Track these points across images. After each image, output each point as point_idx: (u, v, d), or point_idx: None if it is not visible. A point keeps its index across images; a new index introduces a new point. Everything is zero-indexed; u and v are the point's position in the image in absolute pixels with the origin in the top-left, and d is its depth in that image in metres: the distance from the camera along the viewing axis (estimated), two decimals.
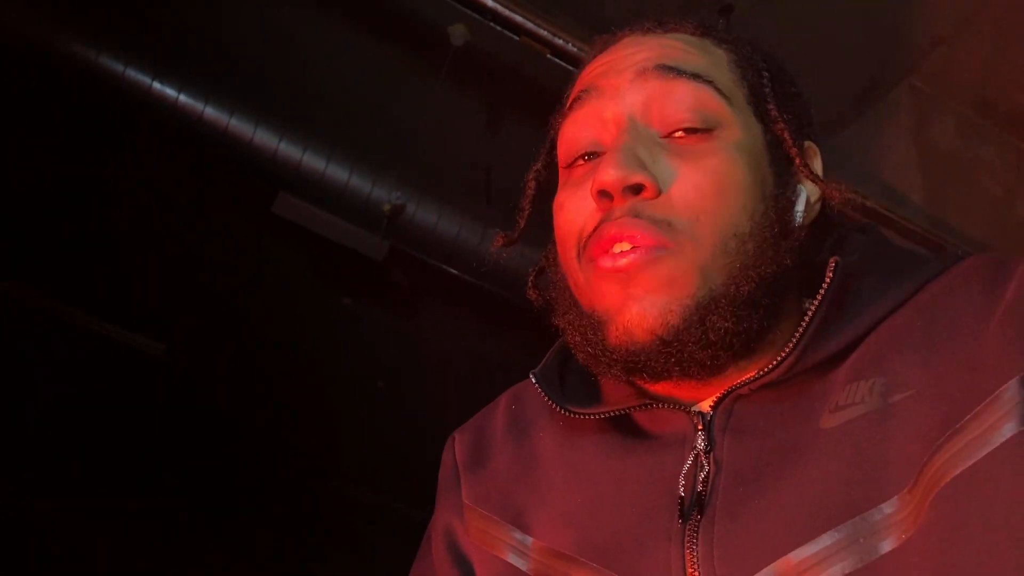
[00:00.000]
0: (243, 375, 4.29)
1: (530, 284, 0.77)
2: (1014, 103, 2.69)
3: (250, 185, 2.88)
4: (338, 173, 2.70)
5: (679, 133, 0.65)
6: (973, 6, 2.46)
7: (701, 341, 0.61)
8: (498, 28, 2.22)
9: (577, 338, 0.67)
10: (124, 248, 3.65)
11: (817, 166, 0.71)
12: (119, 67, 2.51)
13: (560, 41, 2.23)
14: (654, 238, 0.61)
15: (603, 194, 0.63)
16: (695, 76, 0.66)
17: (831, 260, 0.63)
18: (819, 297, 0.62)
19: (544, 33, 2.21)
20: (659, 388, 0.68)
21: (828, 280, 0.62)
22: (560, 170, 0.72)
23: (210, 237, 3.53)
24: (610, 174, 0.62)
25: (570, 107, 0.70)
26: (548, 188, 0.76)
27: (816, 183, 0.68)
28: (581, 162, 0.69)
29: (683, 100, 0.65)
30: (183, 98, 2.58)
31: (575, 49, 2.23)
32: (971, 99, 2.71)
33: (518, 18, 2.19)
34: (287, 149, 2.66)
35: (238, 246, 3.55)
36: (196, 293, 3.85)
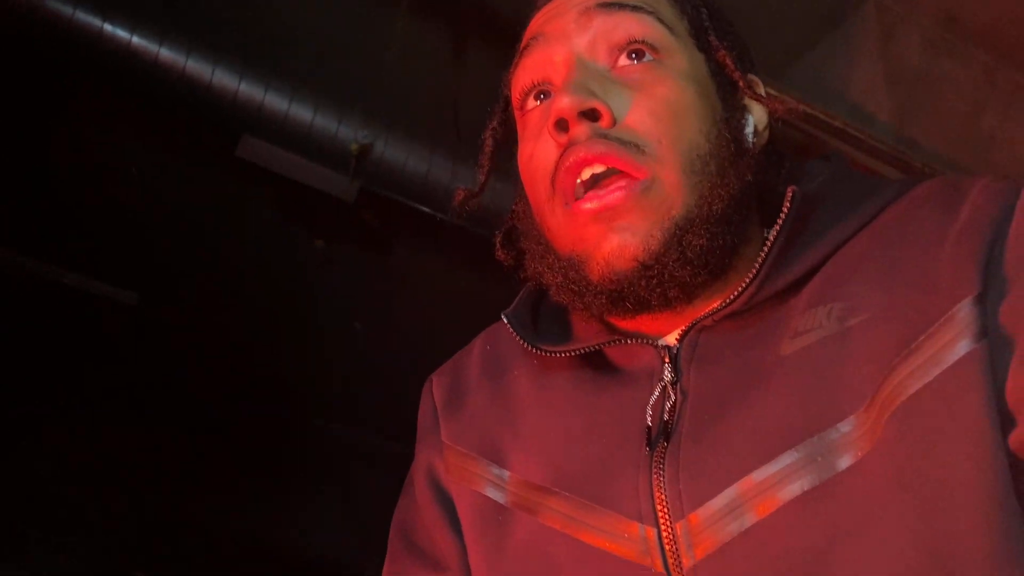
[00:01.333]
0: (219, 321, 4.27)
1: (498, 246, 0.79)
2: (979, 18, 2.68)
3: (212, 129, 2.82)
4: (302, 113, 2.65)
5: (626, 63, 0.67)
6: None
7: (680, 259, 0.63)
8: None
9: (558, 278, 0.68)
10: (90, 199, 3.59)
11: (759, 90, 0.73)
12: (68, 10, 2.42)
13: None
14: (629, 162, 0.63)
15: (560, 125, 0.64)
16: (636, 8, 0.68)
17: (789, 189, 0.65)
18: (778, 226, 0.64)
19: None
20: (629, 324, 0.70)
21: (786, 209, 0.64)
22: (517, 121, 0.73)
23: (175, 183, 3.47)
24: (564, 102, 0.63)
25: (519, 57, 0.72)
26: (508, 144, 0.77)
27: (760, 102, 0.71)
28: (534, 104, 0.71)
29: (627, 31, 0.67)
30: (136, 40, 2.50)
31: None
32: (936, 15, 2.69)
33: None
34: (248, 90, 2.60)
35: (205, 192, 3.50)
36: (165, 241, 3.80)
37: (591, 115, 0.64)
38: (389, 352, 4.12)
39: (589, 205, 0.64)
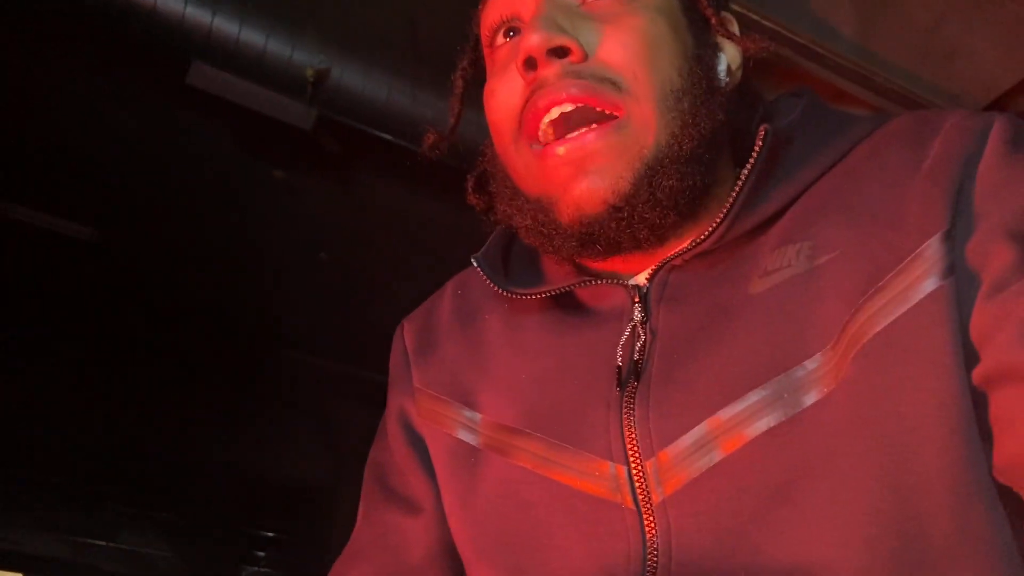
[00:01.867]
0: (180, 255, 4.20)
1: (469, 190, 0.78)
2: None
3: (160, 55, 2.70)
4: (254, 37, 2.55)
5: None
6: None
7: (650, 201, 0.63)
8: None
9: (528, 221, 0.68)
10: (37, 131, 3.45)
11: (733, 28, 0.73)
12: None
13: None
14: (606, 100, 0.62)
15: (528, 63, 0.63)
16: None
17: (761, 128, 0.64)
18: (749, 164, 0.63)
19: None
20: (600, 265, 0.70)
21: (758, 148, 0.63)
22: (486, 59, 0.72)
23: (125, 114, 3.35)
24: (532, 39, 0.62)
25: None
26: (476, 85, 0.75)
27: (733, 40, 0.70)
28: (503, 41, 0.69)
29: None
30: None
31: None
32: None
33: None
34: (195, 13, 2.48)
35: (156, 121, 3.39)
36: (120, 174, 3.70)
37: (560, 52, 0.63)
38: (356, 281, 4.10)
39: (560, 149, 0.63)
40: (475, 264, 0.75)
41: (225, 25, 2.52)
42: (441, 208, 3.27)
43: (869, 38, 2.65)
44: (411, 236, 3.58)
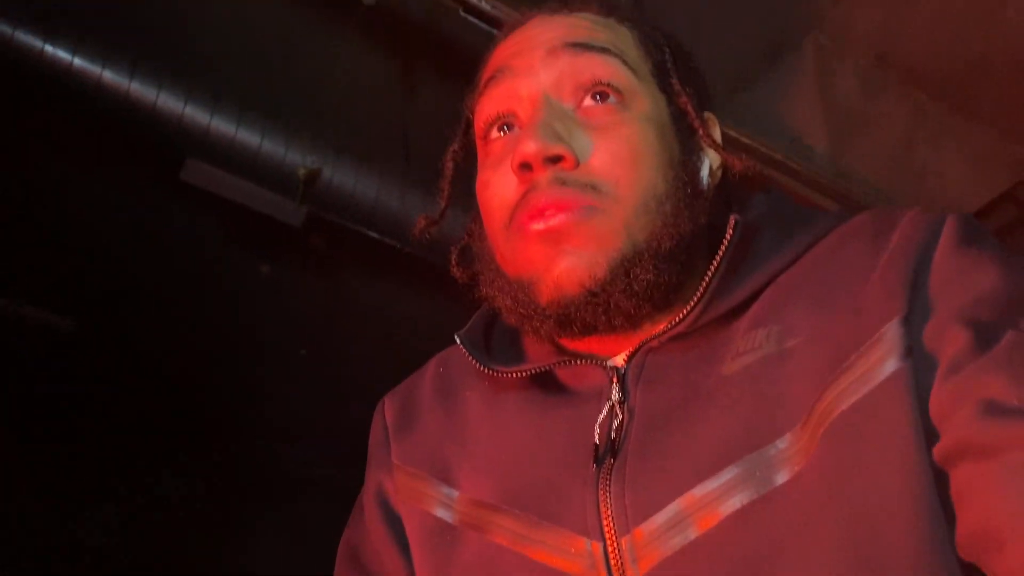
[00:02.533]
0: (159, 348, 4.17)
1: (453, 263, 0.80)
2: (911, 57, 2.81)
3: (156, 152, 2.77)
4: (249, 137, 2.63)
5: (590, 104, 0.69)
6: None
7: (626, 291, 0.65)
8: None
9: (508, 301, 0.70)
10: (27, 222, 3.48)
11: (716, 134, 0.76)
12: (7, 29, 2.37)
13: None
14: (583, 199, 0.65)
15: (524, 166, 0.66)
16: (603, 50, 0.70)
17: (731, 217, 0.68)
18: (720, 253, 0.66)
19: None
20: (578, 345, 0.72)
21: (728, 236, 0.67)
22: (478, 147, 0.75)
23: (117, 207, 3.40)
24: (530, 146, 0.65)
25: (485, 86, 0.73)
26: (466, 168, 0.78)
27: (717, 151, 0.73)
28: (498, 135, 0.72)
29: (593, 72, 0.69)
30: (78, 61, 2.45)
31: (488, 6, 2.21)
32: (871, 53, 2.81)
33: None
34: (194, 113, 2.56)
35: (147, 215, 3.43)
36: (105, 266, 3.71)
37: (554, 159, 0.66)
38: (334, 378, 4.06)
39: (539, 225, 0.65)
40: (458, 341, 0.76)
41: (223, 124, 2.59)
42: (423, 308, 3.29)
43: (842, 156, 2.76)
44: (392, 335, 3.59)
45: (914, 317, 0.59)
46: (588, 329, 0.68)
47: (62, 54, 2.43)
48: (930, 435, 0.56)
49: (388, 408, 0.83)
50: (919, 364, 0.58)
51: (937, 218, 0.64)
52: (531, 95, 0.69)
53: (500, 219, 0.69)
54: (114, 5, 2.65)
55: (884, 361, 0.58)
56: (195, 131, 2.57)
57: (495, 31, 0.80)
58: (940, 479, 0.56)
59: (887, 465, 0.56)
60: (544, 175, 0.65)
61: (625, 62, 0.70)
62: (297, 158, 2.67)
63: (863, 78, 2.83)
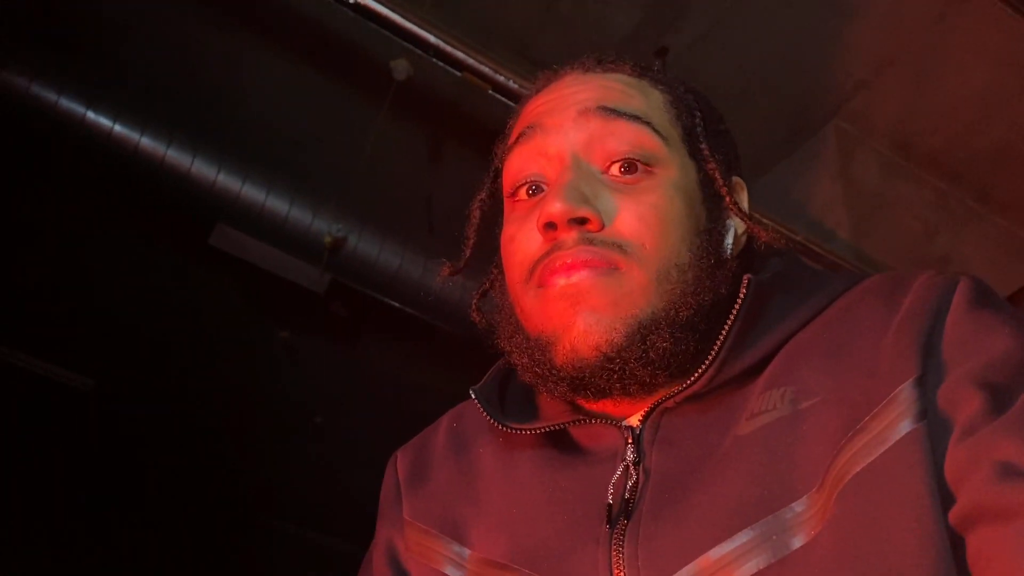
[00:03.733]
0: (176, 410, 4.17)
1: (474, 307, 0.80)
2: (931, 144, 2.84)
3: (187, 216, 2.83)
4: (278, 204, 2.68)
5: (619, 170, 0.69)
6: (892, 52, 2.60)
7: (642, 359, 0.65)
8: (440, 63, 2.25)
9: (524, 360, 0.70)
10: (54, 280, 3.54)
11: (744, 200, 0.76)
12: (52, 96, 2.46)
13: (501, 77, 2.27)
14: (608, 258, 0.65)
15: (549, 226, 0.67)
16: (634, 117, 0.70)
17: (744, 277, 0.68)
18: (733, 314, 0.66)
19: (485, 69, 2.25)
20: (594, 405, 0.71)
21: (741, 297, 0.67)
22: (505, 200, 0.75)
23: (144, 269, 3.45)
24: (556, 207, 0.65)
25: (515, 141, 0.73)
26: (492, 217, 0.78)
27: (744, 220, 0.73)
28: (525, 195, 0.72)
29: (623, 139, 0.69)
30: (118, 128, 2.54)
31: (515, 85, 2.28)
32: (892, 140, 2.84)
33: (460, 54, 2.23)
34: (226, 180, 2.63)
35: (173, 278, 3.48)
36: (127, 326, 3.75)
37: (580, 221, 0.66)
38: (348, 448, 4.03)
39: (561, 280, 0.65)
40: (473, 397, 0.75)
41: (253, 191, 2.66)
42: (441, 378, 3.28)
43: (864, 240, 2.77)
44: (408, 405, 3.57)
45: (928, 379, 0.59)
46: (601, 394, 0.67)
47: (103, 121, 2.52)
48: (945, 498, 0.56)
49: (400, 463, 0.82)
50: (933, 426, 0.57)
51: (950, 280, 0.64)
52: (560, 155, 0.70)
53: (522, 273, 0.69)
54: (155, 77, 2.75)
55: (898, 423, 0.58)
56: (226, 197, 2.63)
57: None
58: (956, 543, 0.55)
59: (902, 528, 0.55)
60: (570, 235, 0.66)
61: (656, 130, 0.70)
62: (324, 226, 2.72)
63: (884, 164, 2.86)
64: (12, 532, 4.01)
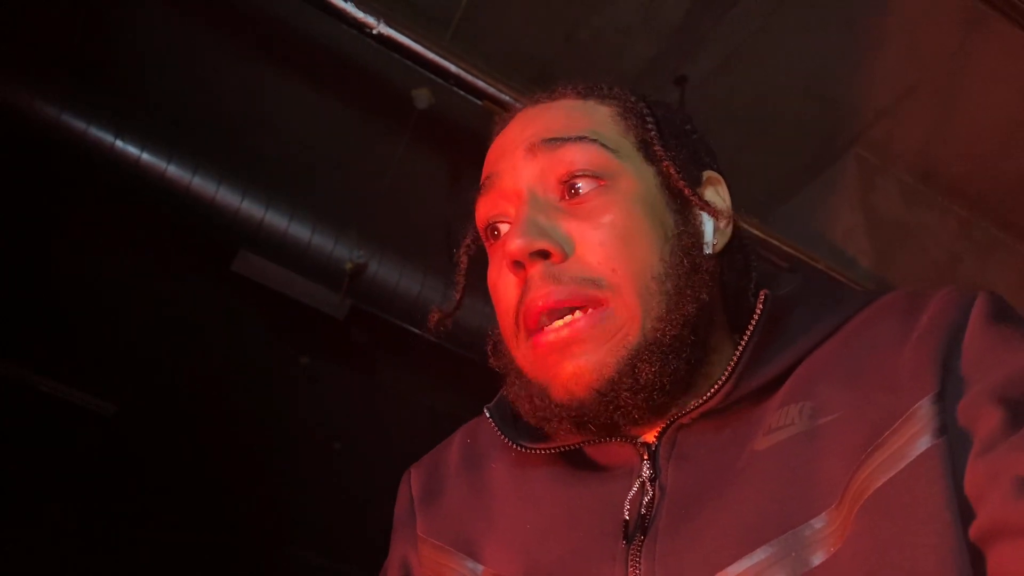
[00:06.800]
0: (195, 435, 4.19)
1: (490, 354, 0.81)
2: (953, 172, 2.82)
3: (211, 243, 2.87)
4: (301, 231, 2.71)
5: (573, 193, 0.69)
6: (914, 80, 2.59)
7: (633, 387, 0.65)
8: (461, 93, 2.28)
9: (526, 406, 0.70)
10: (79, 306, 3.59)
11: (720, 193, 0.75)
12: (82, 125, 2.52)
13: (520, 106, 2.29)
14: (582, 295, 0.65)
15: (516, 264, 0.67)
16: (579, 138, 0.70)
17: (761, 293, 0.68)
18: (750, 329, 0.66)
19: (506, 98, 2.27)
20: (593, 428, 0.71)
21: (758, 312, 0.67)
22: (486, 244, 0.77)
23: (167, 295, 3.49)
24: (515, 243, 0.66)
25: (480, 191, 0.75)
26: (480, 260, 0.80)
27: (708, 212, 0.71)
28: (493, 239, 0.74)
29: (573, 162, 0.69)
30: (146, 156, 2.58)
31: None
32: (914, 168, 2.83)
33: (480, 83, 2.25)
34: (250, 207, 2.67)
35: (196, 304, 3.52)
36: (150, 351, 3.78)
37: (542, 254, 0.66)
38: (365, 473, 4.03)
39: (549, 337, 0.66)
40: (487, 415, 0.76)
41: (276, 218, 2.69)
42: (458, 403, 3.27)
43: (886, 268, 2.74)
44: (428, 431, 3.56)
45: (947, 395, 0.59)
46: (604, 427, 0.67)
47: (131, 149, 2.57)
48: (965, 513, 0.55)
49: (414, 479, 0.83)
50: (953, 442, 0.57)
51: (968, 296, 0.64)
52: (517, 192, 0.71)
53: (509, 324, 0.70)
54: (182, 107, 2.80)
55: (918, 438, 0.57)
56: (250, 224, 2.66)
57: None
58: (976, 558, 0.54)
59: (923, 544, 0.55)
60: (535, 270, 0.66)
61: (603, 144, 0.70)
62: (345, 253, 2.74)
63: (906, 192, 2.85)
64: (33, 553, 4.02)
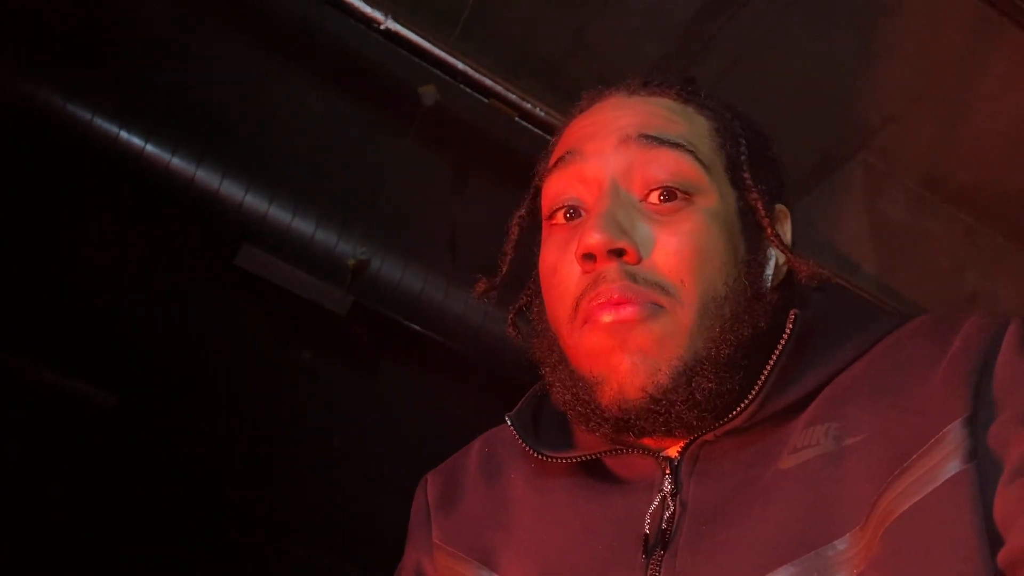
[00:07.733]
0: (197, 429, 4.19)
1: (510, 322, 0.79)
2: (961, 179, 2.81)
3: (214, 236, 2.86)
4: (304, 226, 2.71)
5: (657, 199, 0.68)
6: (922, 86, 2.58)
7: (688, 401, 0.64)
8: (468, 90, 2.27)
9: (567, 396, 0.69)
10: (80, 297, 3.59)
11: (787, 230, 0.75)
12: (86, 115, 2.51)
13: (528, 105, 2.29)
14: (651, 296, 0.64)
15: (587, 256, 0.66)
16: (676, 145, 0.69)
17: (790, 313, 0.67)
18: (778, 349, 0.65)
19: (513, 97, 2.27)
20: (630, 437, 0.70)
21: (787, 333, 0.66)
22: (543, 222, 0.75)
23: (170, 287, 3.49)
24: (595, 238, 0.65)
25: (555, 165, 0.73)
26: (530, 234, 0.78)
27: (784, 252, 0.71)
28: (563, 218, 0.72)
29: (664, 167, 0.68)
30: (150, 147, 2.58)
31: (542, 113, 2.29)
32: (920, 175, 2.82)
33: (487, 81, 2.25)
34: (253, 200, 2.66)
35: (198, 297, 3.52)
36: (151, 343, 3.78)
37: (618, 252, 0.65)
38: (365, 470, 4.03)
39: (607, 317, 0.64)
40: (508, 423, 0.74)
41: (280, 212, 2.69)
42: (459, 401, 3.27)
43: (891, 276, 2.73)
44: (427, 429, 3.56)
45: (978, 418, 0.58)
46: (644, 434, 0.67)
47: (136, 140, 2.56)
48: (994, 539, 0.54)
49: (431, 486, 0.82)
50: (983, 466, 0.56)
51: (1001, 322, 0.63)
52: (599, 181, 0.69)
53: (565, 310, 0.68)
54: (187, 99, 2.80)
55: (947, 462, 0.57)
56: (253, 217, 2.66)
57: (548, 136, 0.82)
58: None
59: (949, 569, 0.54)
60: (610, 267, 0.65)
61: (697, 158, 0.68)
62: (348, 248, 2.73)
63: (912, 199, 2.83)
64: (32, 546, 4.03)
